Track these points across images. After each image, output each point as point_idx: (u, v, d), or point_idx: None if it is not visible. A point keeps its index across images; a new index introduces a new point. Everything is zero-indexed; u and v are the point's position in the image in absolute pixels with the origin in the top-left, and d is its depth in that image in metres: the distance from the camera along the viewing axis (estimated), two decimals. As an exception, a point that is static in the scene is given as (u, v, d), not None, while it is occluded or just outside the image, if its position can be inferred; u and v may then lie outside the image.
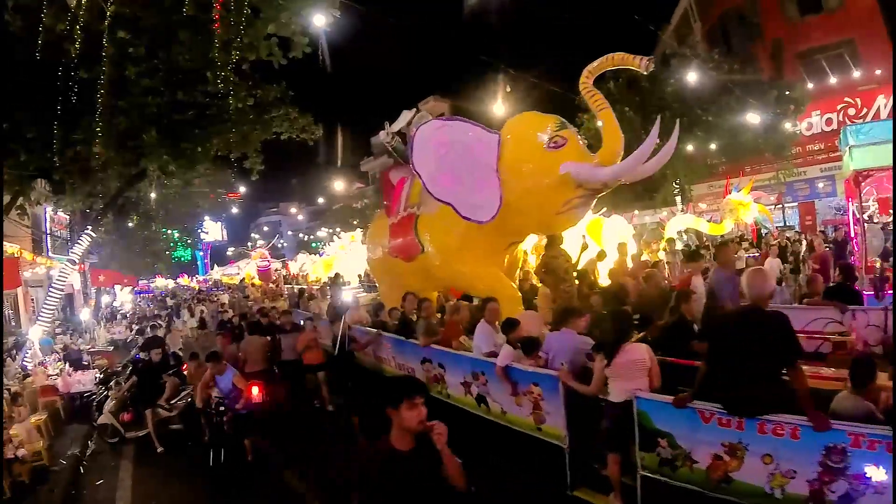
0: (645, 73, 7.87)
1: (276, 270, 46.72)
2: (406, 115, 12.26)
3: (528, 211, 8.56)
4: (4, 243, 18.38)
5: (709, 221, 21.64)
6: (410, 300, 10.36)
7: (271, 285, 34.44)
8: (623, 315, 6.40)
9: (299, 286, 29.00)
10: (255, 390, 9.46)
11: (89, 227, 18.38)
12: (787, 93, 24.79)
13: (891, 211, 18.84)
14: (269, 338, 11.54)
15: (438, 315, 10.58)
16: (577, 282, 10.00)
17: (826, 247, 15.95)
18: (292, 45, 12.93)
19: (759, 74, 26.53)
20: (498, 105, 26.19)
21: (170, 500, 8.02)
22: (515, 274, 11.13)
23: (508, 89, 26.46)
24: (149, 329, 18.96)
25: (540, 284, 10.34)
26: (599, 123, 8.82)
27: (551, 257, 9.68)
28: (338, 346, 10.48)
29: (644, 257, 15.15)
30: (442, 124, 9.18)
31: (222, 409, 8.86)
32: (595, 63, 7.94)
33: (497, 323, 8.07)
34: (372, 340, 10.83)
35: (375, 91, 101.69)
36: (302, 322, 14.01)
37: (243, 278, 47.14)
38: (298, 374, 11.06)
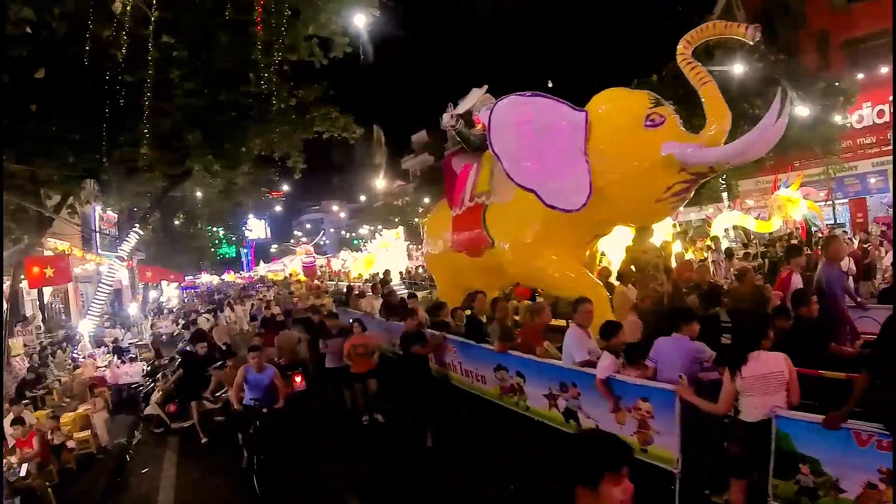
0: (751, 42, 7.03)
1: (321, 267, 46.32)
2: (475, 94, 10.76)
3: (623, 198, 7.56)
4: (56, 241, 19.06)
5: (756, 219, 21.03)
6: (481, 300, 9.39)
7: (316, 282, 34.21)
8: (753, 318, 5.59)
9: (347, 283, 28.63)
10: (297, 378, 9.94)
11: (137, 226, 18.95)
12: (836, 84, 23.91)
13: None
14: (306, 336, 11.44)
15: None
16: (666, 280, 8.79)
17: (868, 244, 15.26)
18: (332, 46, 13.00)
19: (806, 65, 25.69)
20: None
21: (212, 489, 8.07)
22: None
23: (550, 84, 26.16)
24: (191, 323, 19.37)
25: (617, 283, 9.12)
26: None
27: (640, 252, 8.63)
28: (400, 350, 9.30)
29: (688, 256, 14.76)
30: (522, 101, 8.03)
31: (263, 409, 7.92)
32: (694, 32, 7.09)
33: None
34: (436, 344, 9.42)
35: (415, 88, 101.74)
36: (351, 321, 13.67)
37: (288, 275, 46.52)
38: (345, 383, 9.87)
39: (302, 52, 12.66)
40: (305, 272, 42.06)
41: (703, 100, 7.04)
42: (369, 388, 9.47)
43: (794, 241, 18.57)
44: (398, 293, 16.56)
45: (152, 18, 9.57)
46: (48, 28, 8.68)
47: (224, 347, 12.85)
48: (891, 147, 18.37)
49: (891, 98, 24.08)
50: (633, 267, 8.71)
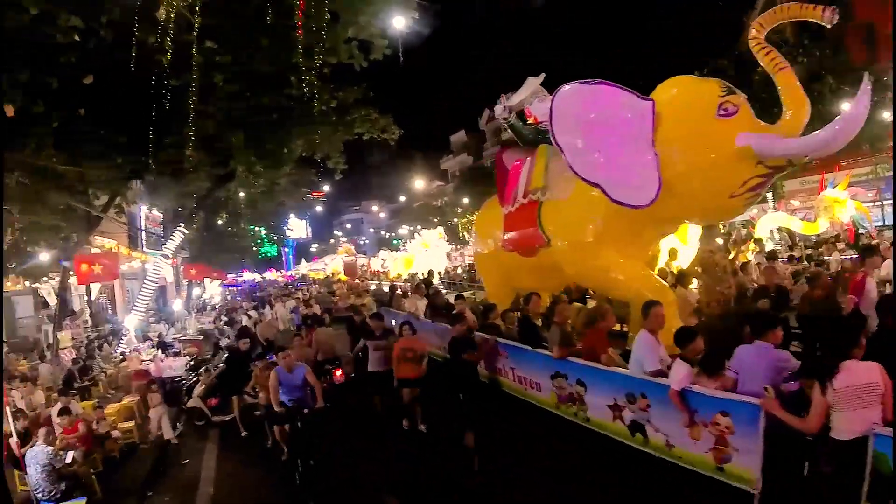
0: (829, 25, 6.46)
1: (362, 266, 46.11)
2: (530, 83, 9.90)
3: (695, 194, 6.98)
4: (104, 239, 19.67)
5: (802, 220, 20.43)
6: (536, 302, 8.71)
7: (357, 281, 34.14)
8: (845, 324, 5.23)
9: (390, 283, 28.26)
10: (338, 373, 10.21)
11: (181, 225, 19.37)
12: (885, 78, 23.01)
13: None
14: (348, 335, 11.35)
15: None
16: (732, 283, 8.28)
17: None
18: (372, 48, 13.10)
19: (852, 59, 24.79)
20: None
21: (251, 481, 8.17)
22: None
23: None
24: (232, 321, 19.72)
25: (676, 286, 8.71)
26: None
27: (708, 252, 8.18)
28: (448, 354, 8.63)
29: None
30: (585, 89, 7.41)
31: (303, 409, 7.68)
32: (767, 14, 6.69)
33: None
34: (488, 348, 8.84)
35: (454, 89, 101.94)
36: (394, 323, 12.83)
37: (330, 273, 46.19)
38: (389, 390, 9.27)
39: (342, 54, 12.79)
40: (347, 271, 42.04)
41: (778, 87, 6.55)
42: (414, 395, 8.81)
43: (841, 244, 18.03)
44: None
45: (195, 24, 9.78)
46: (96, 35, 8.93)
47: (265, 343, 13.06)
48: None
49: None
50: (699, 268, 8.40)
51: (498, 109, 10.32)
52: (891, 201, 25.36)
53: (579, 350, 7.27)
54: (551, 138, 7.43)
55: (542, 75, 9.91)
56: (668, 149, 6.88)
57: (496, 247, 10.30)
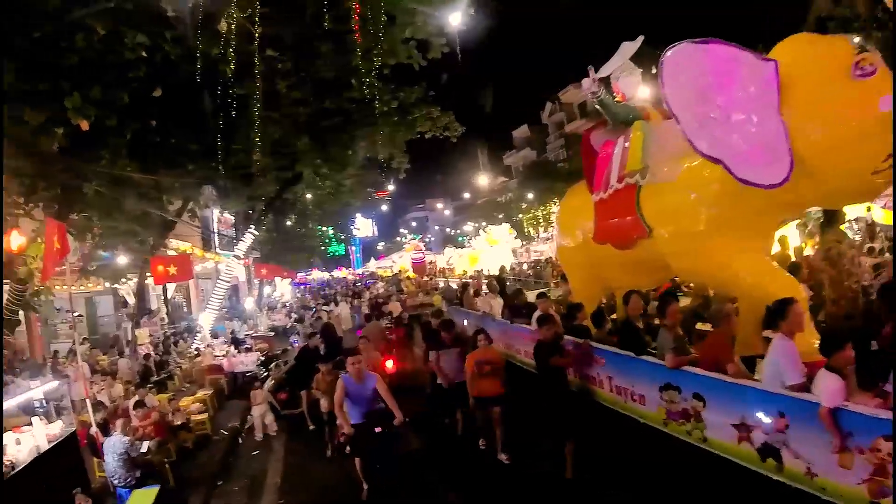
0: None
1: (431, 263, 45.20)
2: (626, 49, 8.64)
3: (831, 170, 5.77)
4: (179, 242, 20.52)
5: (882, 208, 19.15)
6: (636, 301, 7.92)
7: (425, 278, 33.86)
8: None
9: (461, 279, 27.51)
10: (389, 363, 10.37)
11: (252, 226, 20.00)
12: None
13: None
14: (424, 342, 10.79)
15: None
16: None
17: None
18: (430, 46, 13.12)
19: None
20: (643, 89, 25.03)
21: (317, 473, 8.39)
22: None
23: (654, 70, 25.04)
24: (299, 320, 20.22)
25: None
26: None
27: (834, 242, 7.08)
28: (535, 361, 7.61)
29: (807, 251, 13.60)
30: (697, 48, 6.34)
31: (375, 428, 6.83)
32: None
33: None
34: (580, 353, 7.87)
35: (515, 83, 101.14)
36: (465, 323, 12.44)
37: (398, 271, 46.01)
38: (461, 404, 8.42)
39: (400, 55, 12.87)
40: (415, 269, 41.61)
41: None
42: (493, 416, 7.76)
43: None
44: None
45: (256, 35, 10.06)
46: (161, 51, 9.30)
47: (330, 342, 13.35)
48: None
49: None
50: (824, 260, 7.33)
51: (586, 83, 8.91)
52: None
53: (696, 358, 6.33)
54: (668, 110, 6.33)
55: (640, 38, 8.59)
56: (797, 118, 5.74)
57: (584, 239, 9.22)
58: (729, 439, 5.66)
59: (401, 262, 50.35)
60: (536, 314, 9.02)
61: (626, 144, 8.07)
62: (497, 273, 19.03)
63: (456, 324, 9.63)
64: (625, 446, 6.92)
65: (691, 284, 10.33)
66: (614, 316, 9.43)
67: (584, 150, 9.37)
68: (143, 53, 8.98)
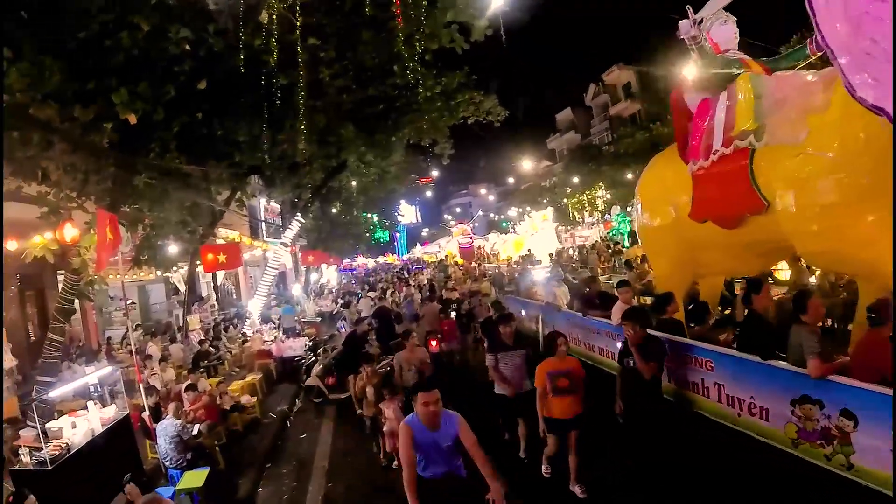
0: None
1: (480, 248, 43.86)
2: None
3: None
4: (228, 231, 20.90)
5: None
6: (766, 292, 6.46)
7: (474, 264, 32.99)
8: None
9: (519, 265, 26.64)
10: (433, 343, 10.33)
11: (298, 214, 20.25)
12: None
13: None
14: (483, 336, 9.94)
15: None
16: None
17: None
18: (472, 29, 12.94)
19: None
20: (690, 68, 24.28)
21: (364, 456, 8.41)
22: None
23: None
24: (346, 305, 20.37)
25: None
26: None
27: None
28: (620, 363, 6.40)
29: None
30: None
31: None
32: None
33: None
34: (683, 355, 6.77)
35: (557, 65, 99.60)
36: (523, 313, 11.83)
37: (444, 257, 44.77)
38: (526, 416, 6.87)
39: (443, 39, 12.71)
40: (462, 254, 40.38)
41: None
42: (569, 441, 6.09)
43: None
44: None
45: (297, 24, 10.07)
46: (205, 44, 9.40)
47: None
48: None
49: None
50: None
51: (684, 26, 7.80)
52: None
53: (845, 364, 5.28)
54: (829, 53, 4.76)
55: None
56: None
57: (676, 216, 8.00)
58: (886, 468, 4.59)
59: (448, 247, 49.37)
60: (619, 306, 8.12)
61: (733, 101, 6.83)
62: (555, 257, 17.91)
63: (514, 317, 7.88)
64: (734, 470, 5.65)
65: (774, 273, 9.73)
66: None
67: (676, 110, 8.10)
68: (188, 47, 9.07)
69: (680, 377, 6.94)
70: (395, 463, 7.15)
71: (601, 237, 38.24)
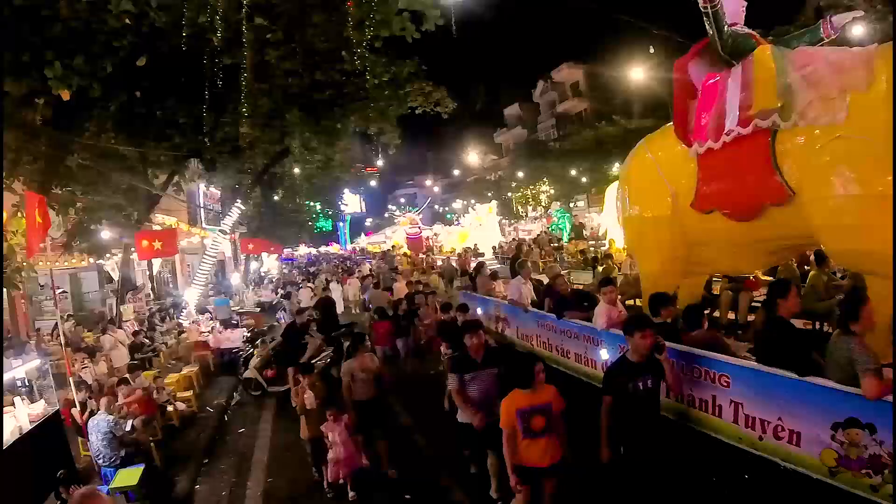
0: None
1: (429, 239, 41.71)
2: None
3: None
4: (165, 216, 20.18)
5: None
6: (794, 296, 5.26)
7: (422, 255, 31.51)
8: None
9: (477, 258, 24.62)
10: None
11: (238, 201, 19.70)
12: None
13: None
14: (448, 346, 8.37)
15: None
16: None
17: None
18: (424, 18, 12.79)
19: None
20: (637, 70, 24.83)
21: (304, 450, 7.88)
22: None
23: (652, 50, 24.75)
24: (287, 295, 19.96)
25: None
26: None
27: None
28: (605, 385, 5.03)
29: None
30: None
31: None
32: None
33: None
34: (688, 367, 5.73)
35: (507, 61, 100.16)
36: (480, 312, 10.85)
37: (391, 248, 43.28)
38: (493, 449, 5.51)
39: (394, 26, 12.52)
40: (410, 245, 38.33)
41: None
42: (545, 491, 4.85)
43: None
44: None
45: (245, 2, 9.72)
46: (147, 18, 8.96)
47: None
48: None
49: None
50: None
51: None
52: None
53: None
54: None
55: None
56: None
57: (674, 206, 7.01)
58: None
59: (394, 237, 48.31)
60: (603, 308, 7.17)
61: (749, 75, 6.02)
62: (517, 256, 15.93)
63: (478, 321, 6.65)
64: (755, 500, 4.95)
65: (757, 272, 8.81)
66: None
67: (679, 84, 7.02)
68: (128, 21, 8.62)
69: (686, 393, 5.81)
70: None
71: (543, 231, 38.77)
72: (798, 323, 6.68)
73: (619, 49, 32.63)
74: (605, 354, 6.90)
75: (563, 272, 10.50)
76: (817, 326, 8.14)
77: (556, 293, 8.87)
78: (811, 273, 8.70)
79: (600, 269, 13.76)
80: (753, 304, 8.97)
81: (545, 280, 10.32)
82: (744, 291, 9.06)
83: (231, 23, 10.03)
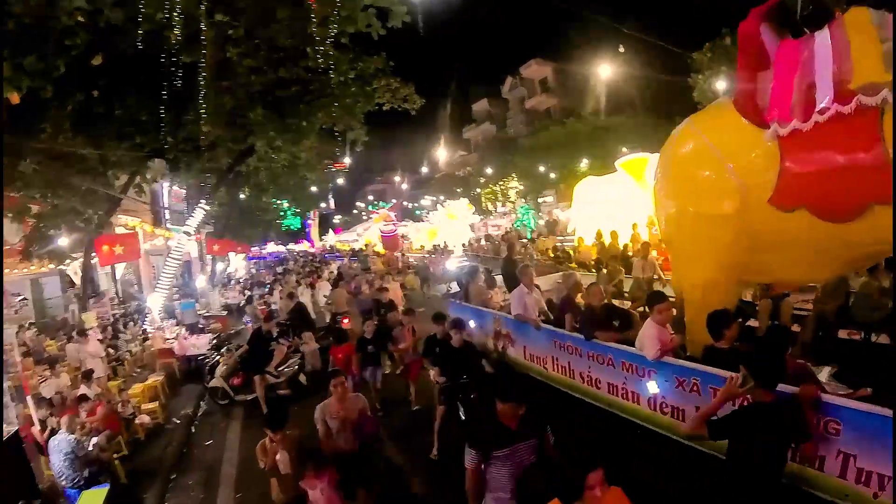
0: None
1: (404, 237, 39.69)
2: None
3: None
4: (128, 217, 19.64)
5: None
6: None
7: (397, 254, 29.70)
8: None
9: (447, 254, 24.64)
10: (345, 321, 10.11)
11: (203, 201, 19.26)
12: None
13: None
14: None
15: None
16: None
17: None
18: (391, 15, 12.61)
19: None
20: (605, 67, 24.98)
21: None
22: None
23: (622, 49, 24.89)
24: (249, 300, 19.60)
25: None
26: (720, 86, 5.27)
27: None
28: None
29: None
30: None
31: None
32: None
33: None
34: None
35: (475, 57, 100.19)
36: (474, 326, 9.22)
37: (363, 246, 41.76)
38: None
39: (360, 22, 12.33)
40: (385, 243, 36.17)
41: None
42: None
43: None
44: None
45: (205, -2, 9.46)
46: (101, 15, 8.62)
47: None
48: None
49: None
50: None
51: None
52: None
53: None
54: None
55: None
56: None
57: (740, 202, 5.66)
58: None
59: (367, 234, 46.95)
60: (653, 329, 5.88)
61: (841, 42, 4.92)
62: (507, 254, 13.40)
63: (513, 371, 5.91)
64: None
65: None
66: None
67: (747, 52, 5.70)
68: (81, 19, 8.27)
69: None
70: None
71: (513, 228, 38.88)
72: (843, 333, 6.41)
73: (587, 46, 32.84)
74: (653, 388, 5.96)
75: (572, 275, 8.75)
76: (864, 336, 7.07)
77: (585, 307, 7.27)
78: (862, 280, 7.49)
79: (605, 271, 11.77)
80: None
81: (540, 282, 9.04)
82: (786, 298, 7.77)
83: (191, 19, 9.72)
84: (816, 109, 4.95)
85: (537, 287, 8.70)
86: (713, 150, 5.96)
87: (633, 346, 6.28)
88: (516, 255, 14.24)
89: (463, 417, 6.61)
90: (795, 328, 7.50)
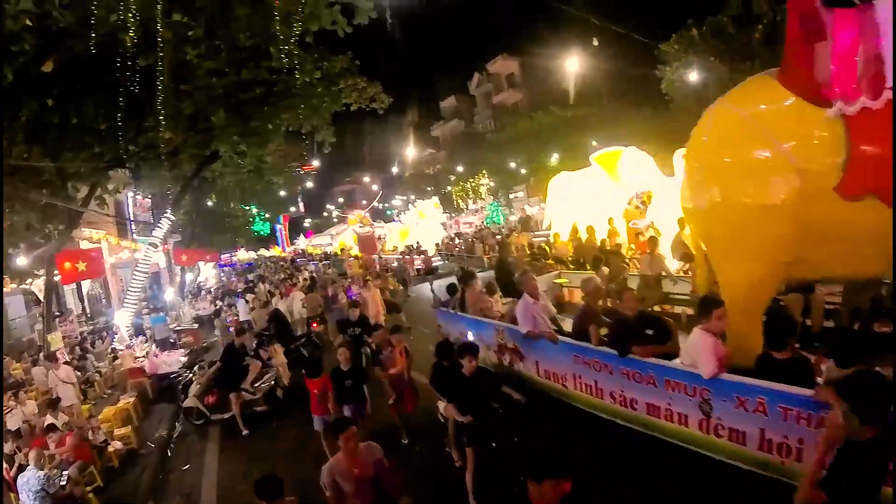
0: None
1: (381, 239, 37.49)
2: None
3: None
4: (92, 231, 18.99)
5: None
6: None
7: (374, 257, 28.37)
8: None
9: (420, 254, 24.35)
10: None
11: (168, 210, 18.70)
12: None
13: None
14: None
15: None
16: None
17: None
18: (356, 11, 12.26)
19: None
20: (573, 61, 24.99)
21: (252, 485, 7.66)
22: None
23: (595, 42, 24.82)
24: (219, 311, 19.16)
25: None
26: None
27: None
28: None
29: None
30: None
31: None
32: None
33: None
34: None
35: (442, 53, 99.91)
36: (471, 339, 8.01)
37: (338, 250, 40.74)
38: None
39: (324, 20, 11.99)
40: (362, 246, 33.33)
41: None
42: None
43: None
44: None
45: (160, -3, 9.01)
46: (50, 18, 8.16)
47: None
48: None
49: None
50: None
51: None
52: None
53: None
54: None
55: None
56: None
57: (797, 189, 4.99)
58: None
59: (341, 237, 45.34)
60: (706, 339, 5.07)
61: None
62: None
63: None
64: None
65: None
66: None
67: (800, 21, 5.03)
68: (29, 23, 7.80)
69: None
70: None
71: (482, 224, 38.76)
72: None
73: (553, 39, 32.88)
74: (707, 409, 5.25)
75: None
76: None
77: (617, 318, 6.28)
78: None
79: (605, 269, 10.41)
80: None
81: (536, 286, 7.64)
82: (814, 292, 7.07)
83: (147, 20, 9.27)
84: (887, 86, 4.49)
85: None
86: (762, 130, 5.23)
87: (673, 358, 5.60)
88: (510, 258, 13.04)
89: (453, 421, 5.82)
90: (828, 323, 6.98)
